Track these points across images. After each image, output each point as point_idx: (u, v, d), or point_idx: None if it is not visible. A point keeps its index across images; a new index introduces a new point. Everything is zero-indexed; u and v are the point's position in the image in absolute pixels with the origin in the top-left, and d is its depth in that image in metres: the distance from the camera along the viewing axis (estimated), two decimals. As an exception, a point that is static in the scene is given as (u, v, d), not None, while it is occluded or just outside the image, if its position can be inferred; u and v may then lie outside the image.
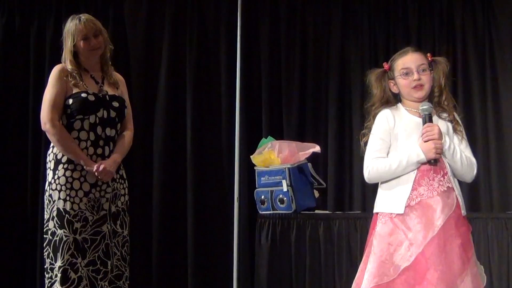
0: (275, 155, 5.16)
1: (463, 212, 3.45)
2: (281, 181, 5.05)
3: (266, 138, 5.43)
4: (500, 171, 5.91)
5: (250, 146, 5.63)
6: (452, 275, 3.27)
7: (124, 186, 4.26)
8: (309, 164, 5.16)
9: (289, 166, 5.05)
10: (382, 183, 3.52)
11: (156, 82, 6.07)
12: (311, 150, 5.15)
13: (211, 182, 6.01)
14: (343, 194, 5.99)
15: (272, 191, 5.11)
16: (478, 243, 4.84)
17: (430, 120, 3.44)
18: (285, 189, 5.02)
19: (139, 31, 6.15)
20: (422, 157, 3.39)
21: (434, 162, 3.40)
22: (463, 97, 6.01)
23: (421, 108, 3.46)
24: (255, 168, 5.26)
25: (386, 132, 3.51)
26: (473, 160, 3.54)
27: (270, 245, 5.04)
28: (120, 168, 4.23)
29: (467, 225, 3.45)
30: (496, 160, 5.91)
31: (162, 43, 6.12)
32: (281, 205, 5.05)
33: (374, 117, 3.58)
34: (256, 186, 5.24)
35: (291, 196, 5.01)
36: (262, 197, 5.17)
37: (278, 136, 5.66)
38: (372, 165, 3.50)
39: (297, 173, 5.07)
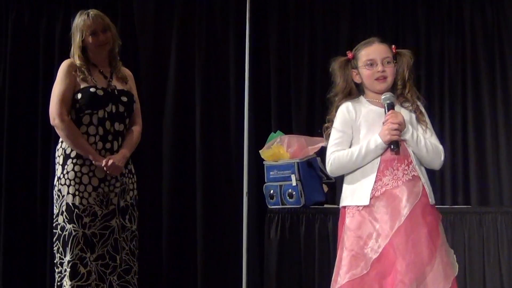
0: (284, 150, 5.15)
1: (431, 200, 3.39)
2: (290, 176, 5.05)
3: (275, 132, 5.42)
4: (510, 164, 5.88)
5: (259, 140, 5.62)
6: (421, 264, 3.23)
7: (133, 181, 4.27)
8: (318, 159, 5.15)
9: (298, 160, 5.05)
10: (346, 176, 3.47)
11: (165, 77, 6.07)
12: (320, 145, 5.13)
13: (220, 177, 6.01)
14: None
15: (281, 186, 5.11)
16: (488, 238, 4.84)
17: (393, 109, 3.39)
18: (294, 183, 5.02)
19: (148, 26, 6.15)
20: (379, 141, 3.34)
21: (395, 148, 3.34)
22: (472, 90, 6.00)
23: (383, 97, 3.41)
24: (264, 162, 5.26)
25: (347, 124, 3.46)
26: (439, 146, 3.48)
27: (279, 240, 5.04)
28: (129, 163, 4.25)
29: (435, 214, 3.40)
30: (506, 153, 5.89)
31: (171, 38, 6.11)
32: (290, 200, 5.05)
33: (336, 109, 3.53)
34: (265, 181, 5.24)
35: (300, 191, 5.01)
36: (271, 191, 5.17)
37: (287, 130, 5.66)
38: (334, 157, 3.44)
39: (306, 167, 5.07)
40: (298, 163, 5.04)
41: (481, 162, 5.93)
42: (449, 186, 5.94)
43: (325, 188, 5.19)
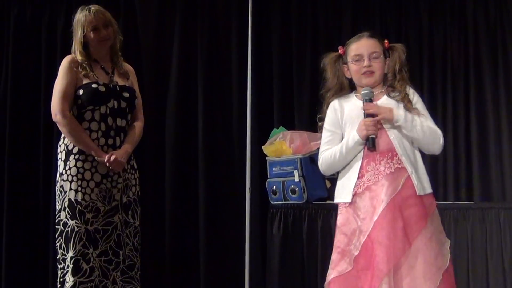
0: (286, 146, 5.15)
1: (418, 192, 3.35)
2: (293, 172, 5.05)
3: (277, 128, 5.42)
4: (513, 161, 5.89)
5: (261, 136, 5.63)
6: (395, 256, 3.23)
7: (135, 177, 4.27)
8: (321, 154, 5.15)
9: (300, 156, 5.04)
10: (338, 173, 3.51)
11: (168, 73, 6.07)
12: (323, 140, 5.13)
13: (222, 173, 6.00)
14: (354, 184, 5.96)
15: (283, 182, 5.11)
16: (491, 233, 4.83)
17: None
18: (296, 179, 5.02)
19: (150, 21, 6.14)
20: (357, 138, 3.36)
21: (371, 145, 3.33)
22: (475, 86, 5.99)
23: (362, 92, 3.42)
24: (266, 158, 5.26)
25: (335, 123, 3.50)
26: (437, 129, 3.45)
27: (282, 236, 5.04)
28: (131, 159, 4.25)
29: (421, 204, 3.35)
30: (509, 149, 5.88)
31: (174, 33, 6.11)
32: (293, 196, 5.05)
33: (327, 106, 3.56)
34: (268, 177, 5.24)
35: (303, 186, 5.01)
36: (274, 187, 5.17)
37: (290, 126, 5.66)
38: (322, 158, 3.51)
39: (309, 163, 5.06)
40: (300, 159, 5.04)
41: (484, 157, 5.92)
42: (452, 181, 5.94)
43: (328, 184, 5.18)
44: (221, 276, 5.89)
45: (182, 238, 5.95)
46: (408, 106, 3.45)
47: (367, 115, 3.39)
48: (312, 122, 5.95)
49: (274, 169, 5.19)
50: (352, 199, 3.38)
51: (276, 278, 5.04)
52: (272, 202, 5.18)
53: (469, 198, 5.81)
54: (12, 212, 5.81)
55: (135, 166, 4.29)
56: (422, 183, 3.39)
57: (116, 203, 4.11)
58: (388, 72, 3.51)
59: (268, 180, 5.24)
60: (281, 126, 5.45)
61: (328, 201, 5.11)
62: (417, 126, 3.39)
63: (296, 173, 5.03)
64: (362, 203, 3.36)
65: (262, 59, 6.08)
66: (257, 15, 5.87)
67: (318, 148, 5.04)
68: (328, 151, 3.48)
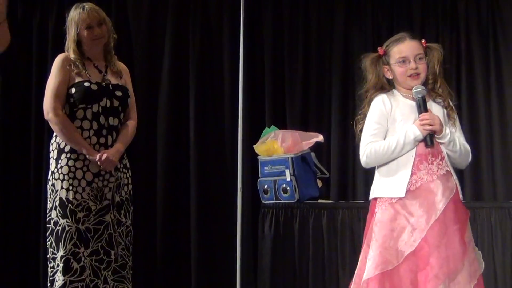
0: (278, 145, 5.15)
1: (461, 196, 3.45)
2: (284, 171, 5.04)
3: (269, 127, 5.42)
4: (504, 160, 5.90)
5: (253, 135, 5.62)
6: (454, 259, 3.26)
7: (128, 176, 4.26)
8: (312, 154, 5.15)
9: (292, 155, 5.04)
10: (379, 168, 3.49)
11: (159, 72, 6.06)
12: (315, 140, 5.14)
13: (214, 172, 6.00)
14: (346, 183, 5.99)
15: (275, 181, 5.11)
16: (482, 233, 4.84)
17: (425, 103, 3.41)
18: (288, 178, 5.02)
19: (142, 20, 6.13)
20: (418, 133, 3.36)
21: (430, 142, 3.36)
22: (466, 86, 6.01)
23: (414, 91, 3.43)
24: (258, 157, 5.25)
25: (383, 116, 3.48)
26: (468, 147, 3.52)
27: (273, 235, 5.03)
28: (124, 158, 4.23)
29: (464, 209, 3.44)
30: (500, 149, 5.90)
31: (165, 32, 6.10)
32: (284, 195, 5.05)
33: (369, 103, 3.54)
34: (259, 176, 5.24)
35: (294, 186, 5.00)
36: (265, 186, 5.16)
37: (282, 125, 5.65)
38: (370, 148, 3.45)
39: (300, 162, 5.06)
40: (292, 158, 5.03)
41: (475, 157, 5.91)
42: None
43: (319, 183, 5.19)
44: (213, 276, 5.89)
45: (173, 237, 5.95)
46: (451, 113, 3.51)
47: (422, 111, 3.40)
48: (303, 121, 6.01)
49: (265, 168, 5.18)
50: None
51: (268, 278, 5.03)
52: (263, 202, 5.17)
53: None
54: (3, 210, 5.79)
55: (128, 165, 4.28)
56: (460, 188, 3.45)
57: (108, 202, 4.09)
58: (428, 74, 3.51)
59: (259, 179, 5.24)
60: (272, 125, 5.44)
61: (319, 201, 5.12)
62: (457, 147, 3.44)
63: (287, 172, 5.03)
64: (415, 200, 3.34)
65: (254, 58, 6.08)
66: (249, 14, 5.86)
67: (310, 148, 5.11)
68: (379, 142, 3.44)
